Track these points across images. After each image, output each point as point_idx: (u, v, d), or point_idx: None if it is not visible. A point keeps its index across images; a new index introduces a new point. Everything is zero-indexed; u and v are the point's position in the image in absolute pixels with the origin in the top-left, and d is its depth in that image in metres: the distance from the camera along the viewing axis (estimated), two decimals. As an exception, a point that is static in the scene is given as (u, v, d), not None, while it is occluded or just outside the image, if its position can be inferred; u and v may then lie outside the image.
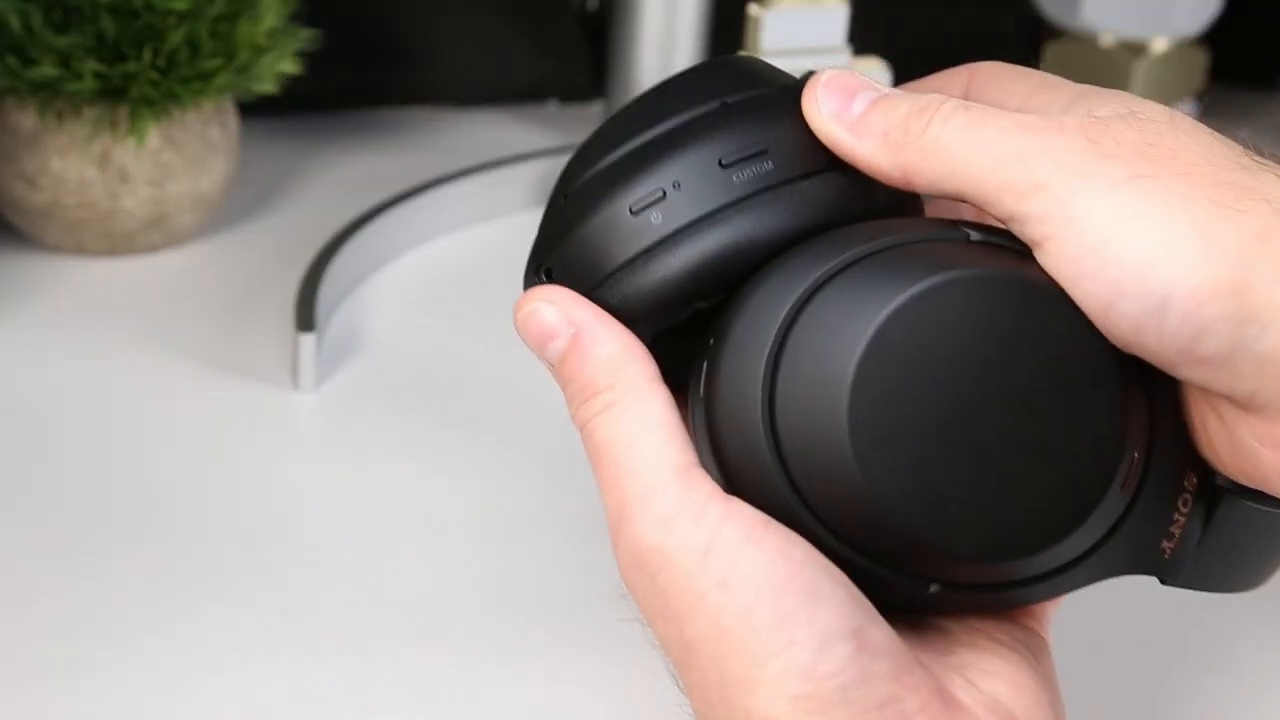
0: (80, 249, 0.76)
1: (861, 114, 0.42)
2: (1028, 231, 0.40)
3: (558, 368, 0.42)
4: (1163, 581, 0.42)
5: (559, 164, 0.82)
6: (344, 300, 0.73)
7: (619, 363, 0.41)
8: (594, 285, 0.43)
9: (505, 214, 0.81)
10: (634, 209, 0.42)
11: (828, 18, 0.78)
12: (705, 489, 0.40)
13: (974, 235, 0.41)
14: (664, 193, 0.42)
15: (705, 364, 0.41)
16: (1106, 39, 0.88)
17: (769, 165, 0.42)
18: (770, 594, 0.39)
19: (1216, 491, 0.42)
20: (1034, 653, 0.42)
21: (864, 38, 0.81)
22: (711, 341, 0.41)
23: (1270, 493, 0.41)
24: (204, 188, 0.76)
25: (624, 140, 0.43)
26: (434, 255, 0.78)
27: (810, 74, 0.44)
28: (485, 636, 0.55)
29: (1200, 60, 0.89)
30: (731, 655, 0.39)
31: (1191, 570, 0.42)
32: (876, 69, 0.80)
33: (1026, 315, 0.39)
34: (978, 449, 0.39)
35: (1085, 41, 0.88)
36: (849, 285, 0.40)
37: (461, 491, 0.62)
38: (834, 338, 0.39)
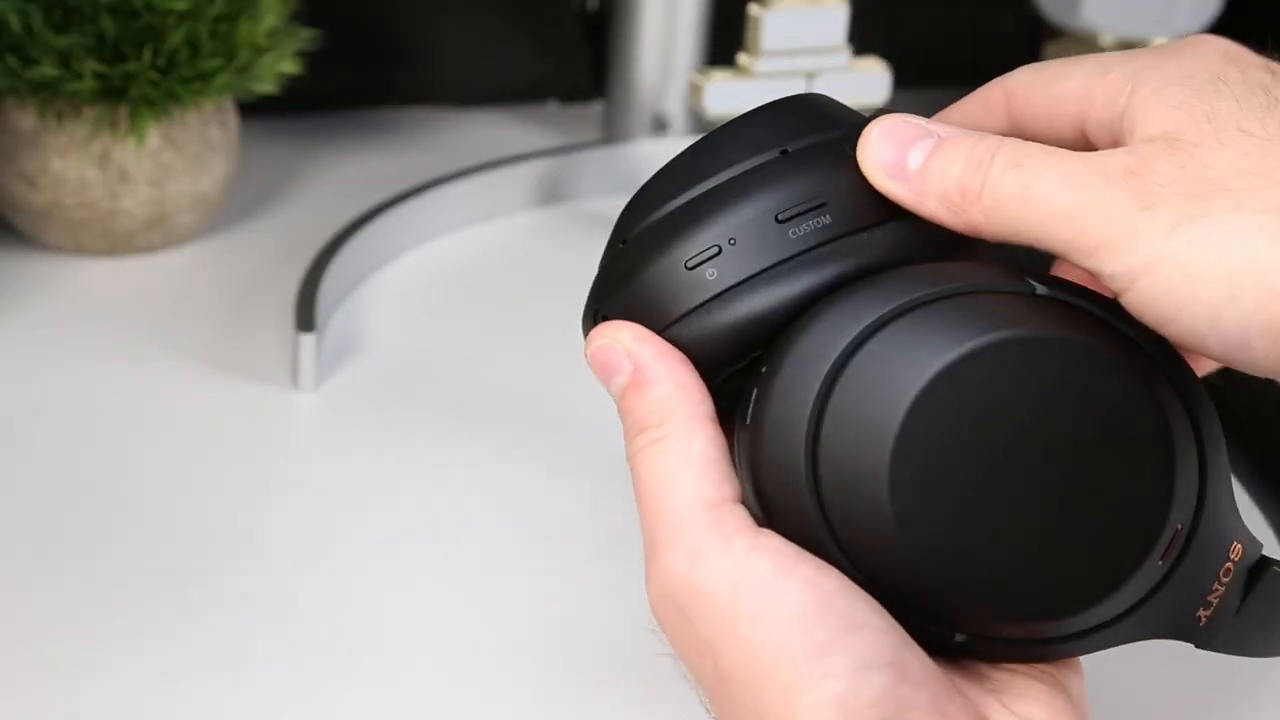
0: (80, 249, 0.76)
1: (919, 171, 0.42)
2: (1105, 285, 0.40)
3: (619, 402, 0.43)
4: (1196, 646, 0.42)
5: (559, 164, 0.82)
6: (344, 300, 0.73)
7: (670, 401, 0.42)
8: None
9: (505, 214, 0.81)
10: (689, 264, 0.42)
11: (828, 18, 0.78)
12: (734, 523, 0.41)
13: (1039, 289, 0.41)
14: (719, 248, 0.42)
15: (755, 393, 0.41)
16: (1106, 39, 0.88)
17: (826, 219, 0.42)
18: (803, 625, 0.39)
19: (1262, 562, 0.42)
20: (1066, 676, 0.42)
21: (864, 38, 0.81)
22: (764, 370, 0.41)
23: None
24: (204, 188, 0.76)
25: (683, 187, 0.43)
26: (434, 255, 0.78)
27: (879, 113, 0.44)
28: (488, 641, 0.55)
29: (1200, 60, 0.89)
30: (767, 687, 0.39)
31: (1226, 637, 0.42)
32: (876, 69, 0.80)
33: (1080, 382, 0.39)
34: (1016, 511, 0.39)
35: (1085, 41, 0.88)
36: (904, 333, 0.40)
37: (461, 492, 0.62)
38: (883, 386, 0.39)
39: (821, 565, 0.40)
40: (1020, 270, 0.41)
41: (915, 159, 0.42)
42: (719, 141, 0.44)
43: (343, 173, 0.85)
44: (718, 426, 0.42)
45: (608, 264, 0.44)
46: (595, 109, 0.91)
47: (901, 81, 0.84)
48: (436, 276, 0.76)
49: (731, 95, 0.78)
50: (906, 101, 0.92)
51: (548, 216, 0.82)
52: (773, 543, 0.40)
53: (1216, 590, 0.41)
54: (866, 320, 0.40)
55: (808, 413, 0.40)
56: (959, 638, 0.40)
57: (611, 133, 0.85)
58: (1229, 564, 0.41)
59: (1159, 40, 0.87)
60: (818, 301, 0.41)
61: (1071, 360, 0.39)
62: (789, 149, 0.43)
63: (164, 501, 0.61)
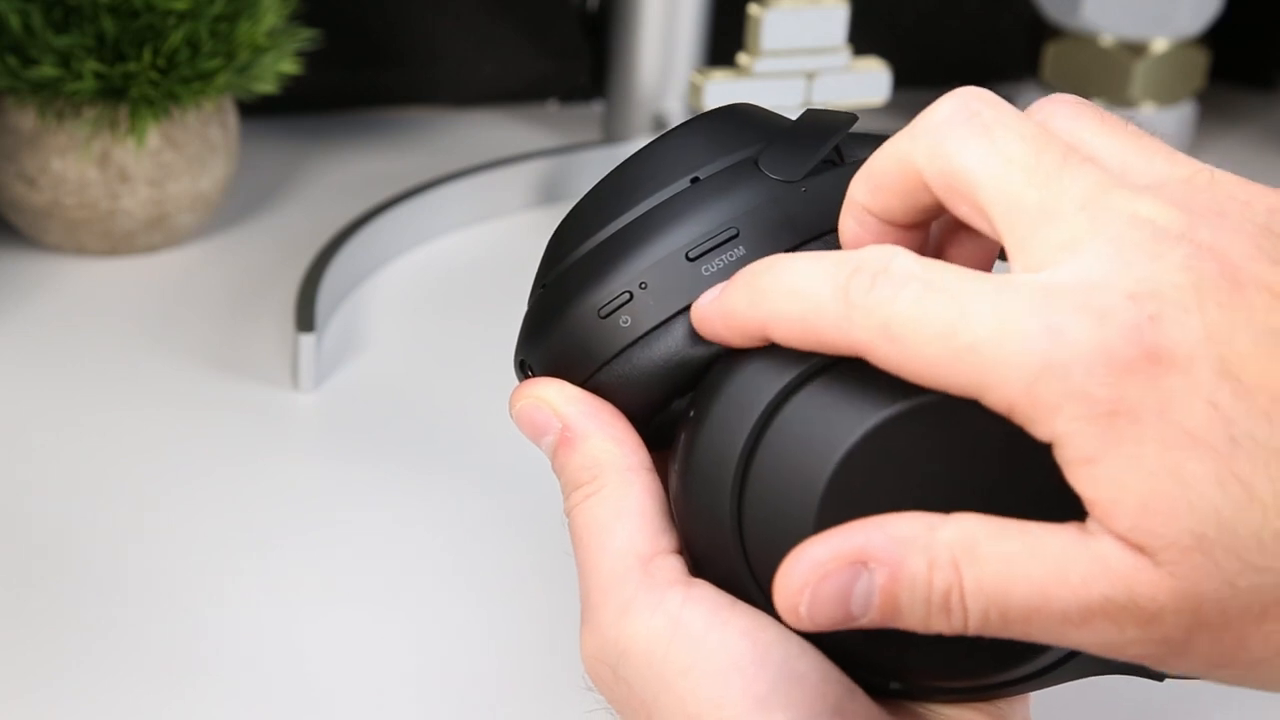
0: (80, 249, 0.76)
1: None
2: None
3: (551, 461, 0.42)
4: (1155, 680, 0.41)
5: (559, 164, 0.82)
6: (344, 300, 0.73)
7: (603, 455, 0.41)
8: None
9: (505, 214, 0.81)
10: (603, 312, 0.41)
11: (828, 17, 0.78)
12: (666, 576, 0.40)
13: None
14: (631, 294, 0.41)
15: (682, 439, 0.40)
16: (1106, 39, 0.88)
17: (740, 250, 0.40)
18: (741, 679, 0.38)
19: None
20: (1016, 703, 0.42)
21: (864, 38, 0.81)
22: (691, 415, 0.40)
23: None
24: (204, 188, 0.76)
25: (597, 225, 0.42)
26: (434, 255, 0.78)
27: (807, 111, 0.43)
28: (484, 642, 0.55)
29: (1200, 60, 0.89)
30: None
31: None
32: (876, 69, 0.80)
33: (1015, 439, 0.37)
34: None
35: (1085, 41, 0.88)
36: (832, 388, 0.38)
37: (461, 493, 0.62)
38: (810, 444, 0.38)
39: (758, 615, 0.39)
40: None
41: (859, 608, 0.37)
42: (634, 170, 0.42)
43: (343, 173, 0.85)
44: (654, 475, 0.41)
45: (530, 310, 0.43)
46: (595, 109, 0.91)
47: (901, 81, 0.84)
48: (436, 276, 0.76)
49: (731, 95, 0.77)
50: (907, 101, 0.92)
51: (548, 216, 0.82)
52: (707, 594, 0.39)
53: None
54: (794, 371, 0.38)
55: (733, 465, 0.39)
56: (894, 685, 0.40)
57: (611, 133, 0.85)
58: None
59: (1159, 40, 0.87)
60: None
61: (997, 420, 0.37)
62: (700, 176, 0.42)
63: (162, 501, 0.61)
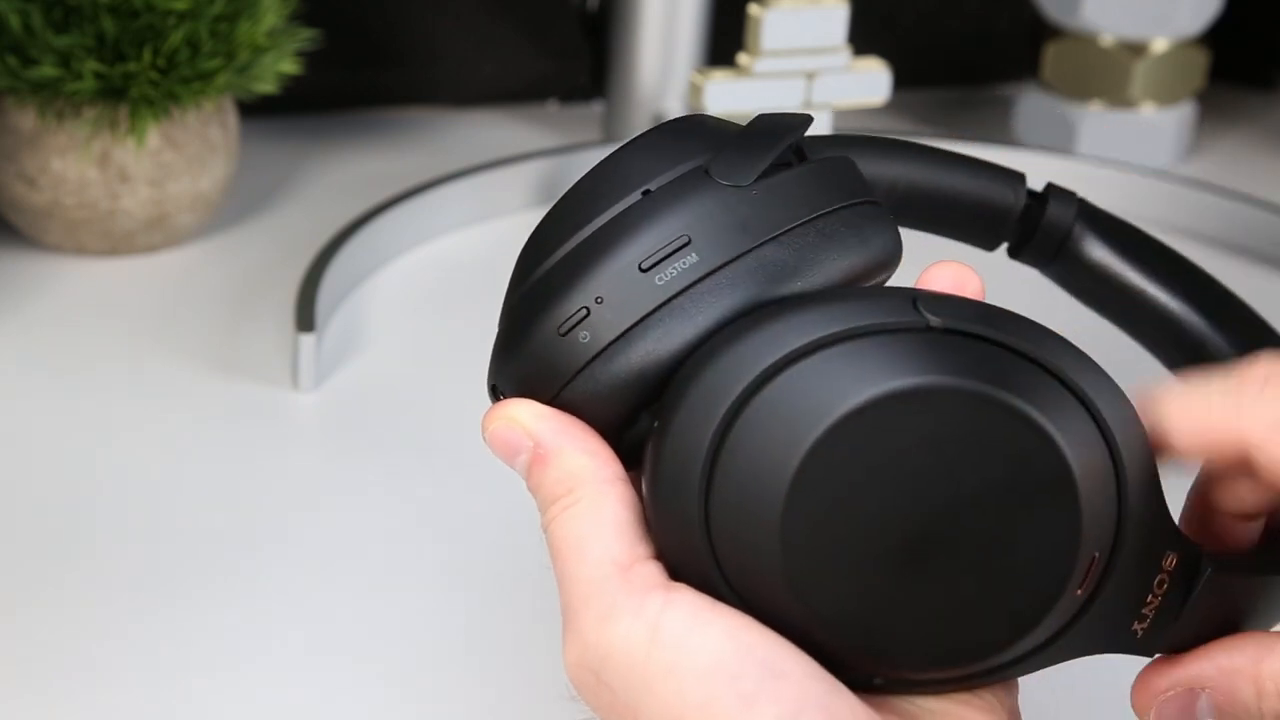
0: (80, 249, 0.76)
1: None
2: None
3: (525, 480, 0.43)
4: (1137, 655, 0.42)
5: (559, 164, 0.82)
6: (344, 300, 0.73)
7: (577, 469, 0.41)
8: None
9: (505, 214, 0.81)
10: (562, 330, 0.41)
11: (828, 17, 0.78)
12: (645, 581, 0.40)
13: (932, 320, 0.39)
14: (587, 310, 0.41)
15: (649, 449, 0.40)
16: (1106, 39, 0.88)
17: (693, 257, 0.41)
18: (726, 678, 0.38)
19: (1199, 568, 0.41)
20: (997, 691, 0.42)
21: (864, 38, 0.81)
22: (656, 425, 0.40)
23: None
24: (204, 188, 0.76)
25: (555, 243, 0.42)
26: (434, 255, 0.78)
27: (759, 116, 0.43)
28: (481, 643, 0.55)
29: (1200, 60, 0.89)
30: None
31: (1169, 641, 0.41)
32: (876, 69, 0.80)
33: (976, 428, 0.38)
34: (918, 564, 0.38)
35: (1085, 41, 0.88)
36: (792, 386, 0.38)
37: (460, 493, 0.62)
38: (771, 445, 0.38)
39: (739, 616, 0.39)
40: (912, 298, 0.39)
41: None
42: (587, 187, 0.43)
43: (343, 173, 0.85)
44: (628, 485, 0.41)
45: (499, 333, 0.44)
46: (595, 109, 0.91)
47: (901, 81, 0.84)
48: (436, 276, 0.76)
49: (731, 95, 0.78)
50: (907, 101, 0.92)
51: (548, 216, 0.82)
52: (688, 597, 0.39)
53: (1151, 603, 0.41)
54: (753, 371, 0.39)
55: (698, 470, 0.39)
56: (876, 680, 0.40)
57: (611, 133, 0.85)
58: (1163, 575, 0.40)
59: (1159, 40, 0.87)
60: (703, 345, 0.40)
61: (965, 407, 0.38)
62: (651, 188, 0.42)
63: (162, 501, 0.61)
